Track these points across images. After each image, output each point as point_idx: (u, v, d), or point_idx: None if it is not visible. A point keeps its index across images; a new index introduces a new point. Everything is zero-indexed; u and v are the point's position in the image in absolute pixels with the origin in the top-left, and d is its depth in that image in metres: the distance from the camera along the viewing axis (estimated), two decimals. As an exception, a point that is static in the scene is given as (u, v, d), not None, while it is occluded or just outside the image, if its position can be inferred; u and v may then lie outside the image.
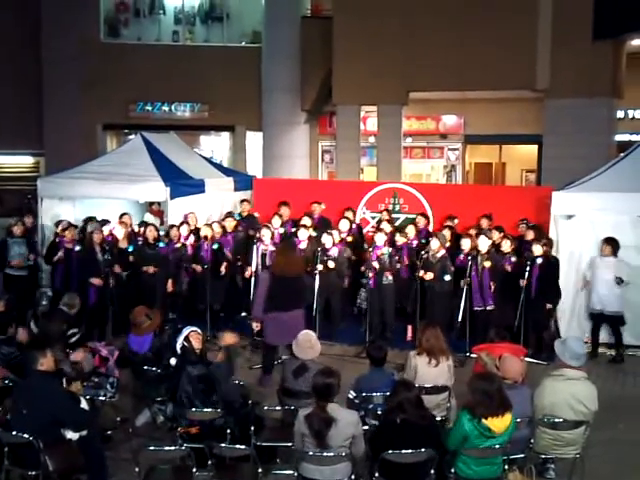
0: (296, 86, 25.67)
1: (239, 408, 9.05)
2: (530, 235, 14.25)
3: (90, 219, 15.61)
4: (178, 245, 15.12)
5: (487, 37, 21.40)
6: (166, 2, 28.80)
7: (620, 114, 24.38)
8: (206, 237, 14.85)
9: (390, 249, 14.20)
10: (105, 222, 15.33)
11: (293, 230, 15.65)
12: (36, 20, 26.54)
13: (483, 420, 7.54)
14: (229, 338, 9.60)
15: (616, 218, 13.71)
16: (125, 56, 26.69)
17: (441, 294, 13.75)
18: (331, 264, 14.12)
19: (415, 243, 14.81)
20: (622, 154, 15.61)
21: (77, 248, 14.72)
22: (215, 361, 9.34)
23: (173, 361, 8.90)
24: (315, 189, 18.32)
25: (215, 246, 14.85)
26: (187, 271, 15.13)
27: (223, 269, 14.88)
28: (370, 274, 14.07)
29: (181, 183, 16.39)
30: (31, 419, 7.80)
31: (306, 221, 15.56)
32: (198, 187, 16.96)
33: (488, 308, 13.55)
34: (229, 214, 16.25)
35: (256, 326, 12.61)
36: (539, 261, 13.17)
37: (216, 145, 30.28)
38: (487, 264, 13.41)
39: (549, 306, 13.33)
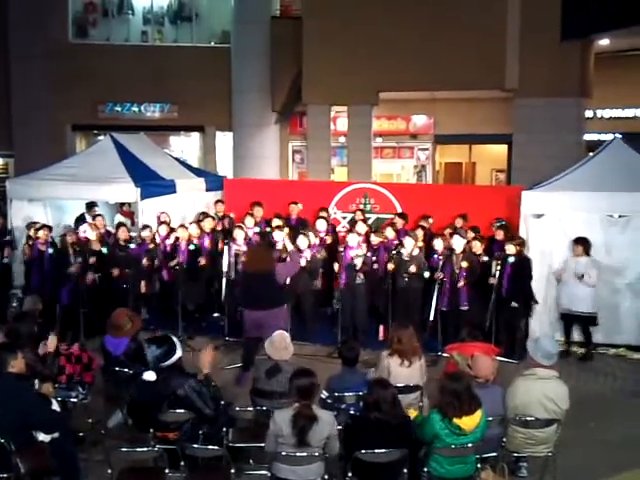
0: (266, 86, 25.70)
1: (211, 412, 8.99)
2: (500, 235, 14.33)
3: (32, 224, 15.52)
4: (151, 246, 15.05)
5: (456, 37, 21.50)
6: (135, 2, 28.75)
7: (589, 113, 24.54)
8: (179, 238, 14.81)
9: (364, 250, 14.21)
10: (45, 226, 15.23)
11: (267, 230, 15.68)
12: (3, 20, 26.41)
13: (453, 419, 7.57)
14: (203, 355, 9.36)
15: (585, 217, 13.81)
16: (94, 56, 26.60)
17: (413, 293, 13.80)
18: (302, 262, 14.14)
19: (395, 244, 14.77)
20: (591, 153, 15.73)
21: (50, 250, 14.65)
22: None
23: (152, 376, 8.63)
24: (286, 189, 18.29)
25: (192, 247, 14.82)
26: (160, 272, 15.11)
27: (203, 262, 14.88)
28: (342, 275, 14.10)
29: (151, 184, 16.34)
30: (2, 421, 7.72)
31: (277, 222, 15.53)
32: (169, 188, 16.92)
33: (462, 308, 13.59)
34: (206, 215, 16.20)
35: None
36: (511, 260, 13.23)
37: (186, 146, 30.23)
38: (464, 264, 13.44)
39: (514, 304, 13.33)
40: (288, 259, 13.17)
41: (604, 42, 22.57)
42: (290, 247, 13.23)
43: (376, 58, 22.35)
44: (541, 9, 21.28)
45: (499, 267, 13.16)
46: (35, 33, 26.07)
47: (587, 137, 23.45)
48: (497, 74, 21.83)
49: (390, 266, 13.79)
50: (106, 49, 27.39)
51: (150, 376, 8.41)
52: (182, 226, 15.31)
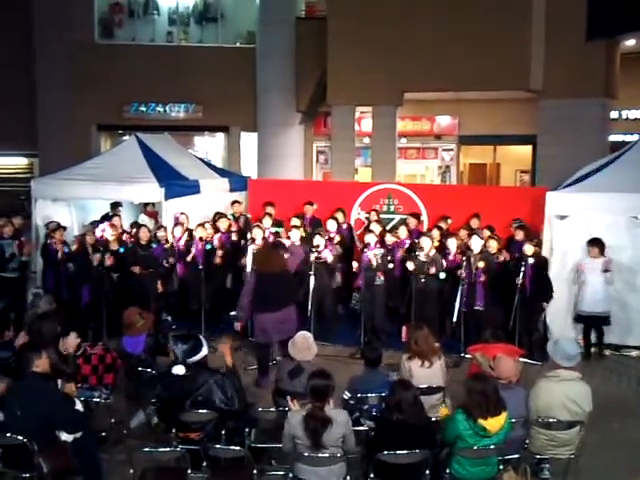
0: (291, 87, 25.70)
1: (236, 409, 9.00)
2: (520, 235, 14.27)
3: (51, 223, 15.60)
4: (167, 246, 15.11)
5: (481, 38, 21.39)
6: (160, 3, 28.76)
7: (614, 114, 24.40)
8: (200, 238, 14.88)
9: (382, 250, 14.22)
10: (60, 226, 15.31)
11: (278, 230, 15.73)
12: (29, 21, 26.52)
13: (479, 420, 7.55)
14: (224, 347, 9.47)
15: (610, 218, 13.74)
16: (119, 57, 26.68)
17: (431, 294, 13.79)
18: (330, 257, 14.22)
19: (408, 243, 14.84)
20: (614, 154, 15.64)
21: (66, 250, 14.70)
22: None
23: (182, 370, 8.68)
24: (310, 190, 18.27)
25: (208, 247, 14.85)
26: (175, 269, 15.19)
27: (220, 255, 14.95)
28: (361, 275, 14.13)
29: (176, 184, 16.35)
30: (25, 421, 7.78)
31: (296, 222, 15.57)
32: (193, 188, 16.93)
33: (476, 308, 13.56)
34: (222, 215, 16.24)
35: (238, 326, 12.71)
36: (531, 261, 13.18)
37: (210, 146, 30.24)
38: (481, 264, 13.41)
39: (545, 305, 13.36)
40: (287, 254, 13.19)
41: (630, 42, 22.40)
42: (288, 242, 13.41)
43: (400, 59, 22.28)
44: (566, 9, 21.16)
45: (522, 268, 13.12)
46: (60, 33, 26.14)
47: (612, 138, 23.32)
48: (522, 75, 21.71)
49: (411, 266, 13.77)
50: (131, 49, 27.45)
51: (179, 370, 8.47)
52: (201, 225, 15.35)
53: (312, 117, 27.44)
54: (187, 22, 28.91)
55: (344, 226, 16.14)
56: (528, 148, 26.36)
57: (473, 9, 21.57)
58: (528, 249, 13.26)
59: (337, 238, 15.50)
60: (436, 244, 14.37)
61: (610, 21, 20.69)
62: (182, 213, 16.19)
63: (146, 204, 17.84)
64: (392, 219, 16.43)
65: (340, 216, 16.18)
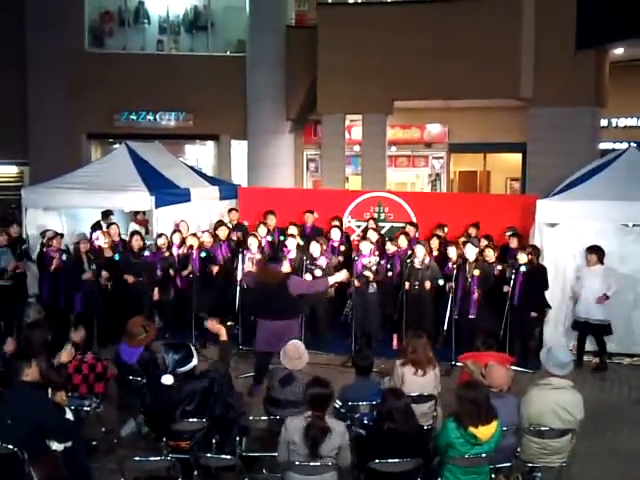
0: (281, 95, 25.66)
1: (226, 417, 8.96)
2: (514, 243, 14.30)
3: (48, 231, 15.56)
4: (166, 254, 15.08)
5: (471, 46, 21.44)
6: (151, 11, 28.70)
7: (604, 122, 24.48)
8: (192, 246, 14.87)
9: (377, 257, 14.22)
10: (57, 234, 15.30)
11: (281, 239, 15.73)
12: (20, 29, 26.45)
13: (470, 428, 7.54)
14: (214, 326, 9.48)
15: (600, 226, 13.77)
16: (110, 65, 26.60)
17: (425, 302, 13.79)
18: (318, 272, 14.10)
19: (409, 253, 14.83)
20: (602, 160, 15.72)
21: (64, 257, 14.67)
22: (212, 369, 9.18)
23: (170, 380, 8.63)
24: (300, 198, 18.31)
25: (203, 254, 14.84)
26: (174, 280, 15.11)
27: (215, 270, 14.96)
28: (356, 283, 14.08)
29: (166, 192, 16.35)
30: (16, 430, 7.71)
31: (293, 230, 15.56)
32: (183, 196, 16.94)
33: (469, 317, 13.56)
34: (222, 223, 16.23)
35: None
36: (523, 269, 13.18)
37: (201, 154, 30.17)
38: (476, 272, 13.42)
39: (534, 314, 13.36)
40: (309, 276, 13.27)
41: (619, 51, 22.46)
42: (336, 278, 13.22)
43: (391, 67, 22.31)
44: (556, 18, 21.21)
45: (513, 276, 13.15)
46: (51, 42, 26.01)
47: (602, 146, 23.36)
48: (512, 83, 21.76)
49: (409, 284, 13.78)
50: (122, 58, 27.37)
51: (168, 380, 8.42)
52: (193, 234, 15.37)
53: (302, 125, 27.40)
54: (177, 31, 28.84)
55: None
56: (518, 156, 26.41)
57: (464, 18, 21.62)
58: (521, 258, 13.27)
59: (342, 247, 15.57)
60: (435, 253, 14.43)
61: (599, 30, 20.73)
62: (182, 220, 16.24)
63: (136, 212, 17.84)
64: (382, 227, 16.45)
65: (339, 225, 16.21)
